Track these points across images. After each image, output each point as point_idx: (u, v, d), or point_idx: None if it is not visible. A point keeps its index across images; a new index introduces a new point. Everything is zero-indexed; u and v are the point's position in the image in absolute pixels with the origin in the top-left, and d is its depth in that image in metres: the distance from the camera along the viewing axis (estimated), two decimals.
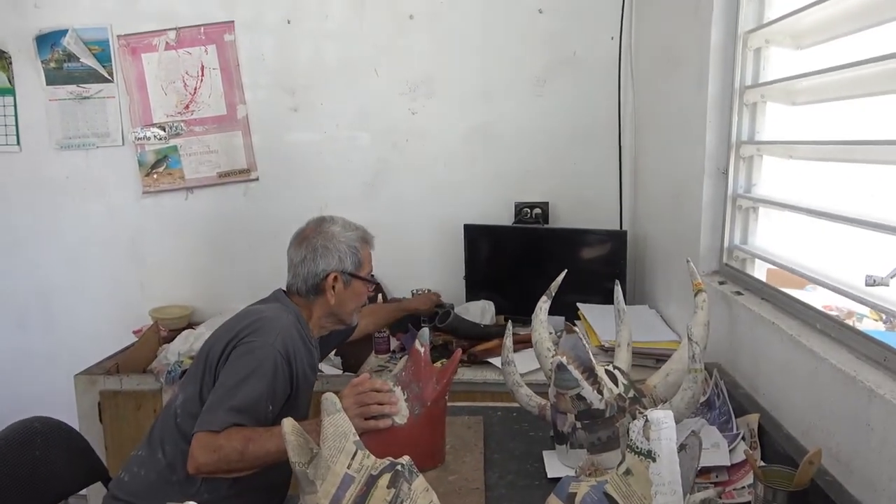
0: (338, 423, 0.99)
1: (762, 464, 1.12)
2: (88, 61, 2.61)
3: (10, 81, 2.65)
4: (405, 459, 0.98)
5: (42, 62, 2.62)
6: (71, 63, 2.62)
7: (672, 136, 2.06)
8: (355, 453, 0.98)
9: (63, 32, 2.59)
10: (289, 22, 2.58)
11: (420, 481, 0.97)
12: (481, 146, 2.62)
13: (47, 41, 2.61)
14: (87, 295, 2.77)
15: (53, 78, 2.64)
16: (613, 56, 2.50)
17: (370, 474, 0.96)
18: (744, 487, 1.16)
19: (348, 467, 0.96)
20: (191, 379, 1.51)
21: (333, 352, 2.58)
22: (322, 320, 1.67)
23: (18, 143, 2.69)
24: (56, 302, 2.79)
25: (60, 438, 1.55)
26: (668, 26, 2.09)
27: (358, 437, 1.00)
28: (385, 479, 0.95)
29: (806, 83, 1.39)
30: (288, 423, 0.99)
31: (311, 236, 1.65)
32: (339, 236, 1.65)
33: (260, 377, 1.39)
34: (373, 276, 1.73)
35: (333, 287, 1.62)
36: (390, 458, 0.98)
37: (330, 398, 1.00)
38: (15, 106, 2.67)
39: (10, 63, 2.64)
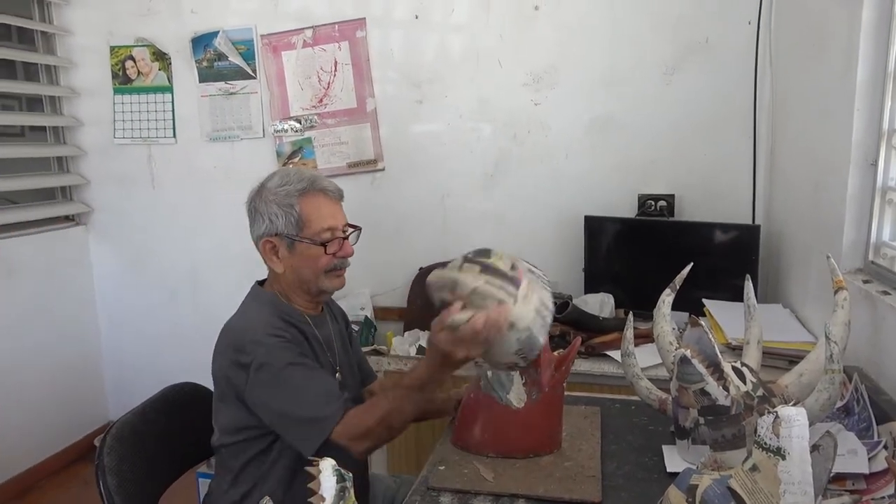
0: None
1: None
2: (236, 60, 2.83)
3: (169, 80, 2.94)
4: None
5: (196, 62, 2.88)
6: (220, 62, 2.86)
7: (814, 126, 1.93)
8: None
9: (214, 34, 2.83)
10: (417, 17, 2.66)
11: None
12: (604, 136, 2.57)
13: (201, 42, 2.86)
14: (231, 274, 2.99)
15: (205, 76, 2.89)
16: (750, 41, 2.37)
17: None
18: (884, 498, 1.08)
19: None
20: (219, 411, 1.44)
21: None
22: (294, 295, 1.46)
23: (175, 135, 2.98)
24: (204, 280, 3.06)
25: (207, 404, 1.69)
26: (813, 6, 1.96)
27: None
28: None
29: None
30: None
31: (250, 198, 1.45)
32: (269, 194, 1.41)
33: (293, 376, 1.31)
34: (336, 231, 1.42)
35: (276, 255, 1.42)
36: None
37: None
38: (172, 102, 2.95)
39: (170, 63, 2.92)
